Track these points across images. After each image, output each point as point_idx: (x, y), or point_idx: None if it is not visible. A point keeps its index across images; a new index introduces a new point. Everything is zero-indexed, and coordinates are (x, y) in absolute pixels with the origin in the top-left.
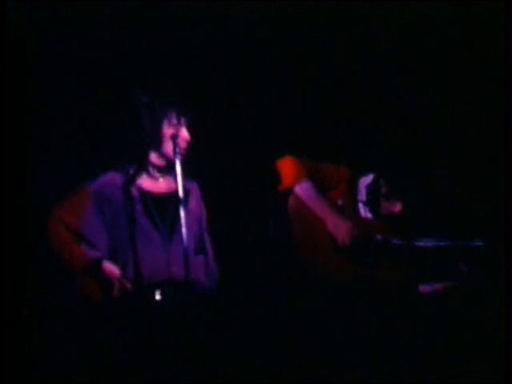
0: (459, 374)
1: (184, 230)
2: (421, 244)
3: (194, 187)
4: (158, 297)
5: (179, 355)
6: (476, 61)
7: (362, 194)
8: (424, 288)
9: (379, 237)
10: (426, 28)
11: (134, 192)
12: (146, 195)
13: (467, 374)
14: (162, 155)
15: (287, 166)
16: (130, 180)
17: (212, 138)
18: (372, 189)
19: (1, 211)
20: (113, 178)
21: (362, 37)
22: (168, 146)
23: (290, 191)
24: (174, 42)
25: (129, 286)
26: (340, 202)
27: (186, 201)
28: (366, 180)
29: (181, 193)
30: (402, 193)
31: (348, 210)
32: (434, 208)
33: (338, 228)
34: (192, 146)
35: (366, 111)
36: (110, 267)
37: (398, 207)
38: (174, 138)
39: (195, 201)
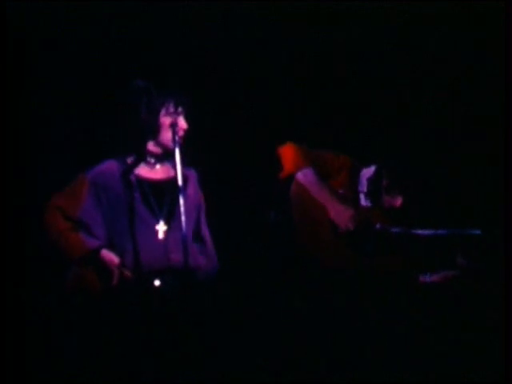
0: (458, 366)
1: (183, 217)
2: (419, 233)
3: (192, 174)
4: (157, 283)
5: (178, 343)
6: (476, 61)
7: (364, 185)
8: (423, 278)
9: (378, 225)
10: (425, 28)
11: (132, 180)
12: (143, 182)
13: (466, 367)
14: (159, 144)
15: (288, 153)
16: (129, 169)
17: (211, 125)
18: (374, 181)
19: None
20: (109, 166)
21: (363, 32)
22: (165, 135)
23: (291, 178)
24: (171, 31)
25: (128, 273)
26: (341, 191)
27: (184, 188)
28: (368, 171)
29: (180, 180)
30: (402, 186)
31: (349, 199)
32: (433, 198)
33: (340, 214)
34: (190, 133)
35: (368, 104)
36: (109, 255)
37: (398, 201)
38: (174, 126)
39: (193, 187)
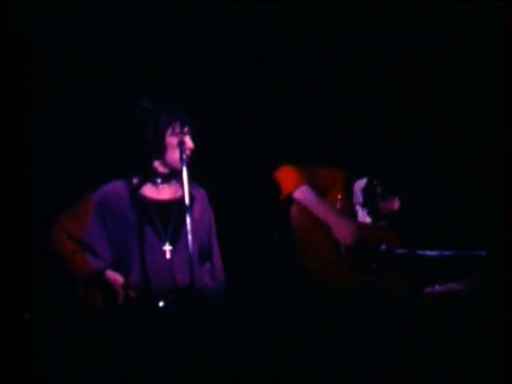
0: (460, 377)
1: (189, 236)
2: (424, 253)
3: (200, 193)
4: (161, 304)
5: (182, 363)
6: (476, 61)
7: (359, 197)
8: (429, 290)
9: (383, 246)
10: (425, 28)
11: (137, 201)
12: (148, 204)
13: (468, 377)
14: (166, 164)
15: (285, 174)
16: (135, 190)
17: (213, 147)
18: (367, 190)
19: (4, 217)
20: (115, 187)
21: (357, 39)
22: (172, 155)
23: (290, 198)
24: (177, 50)
25: (133, 294)
26: (338, 205)
27: (191, 207)
28: (361, 183)
29: (187, 200)
30: (398, 190)
31: (347, 214)
32: (434, 216)
33: (341, 228)
34: (196, 153)
35: (357, 114)
36: (114, 276)
37: (396, 204)
38: (181, 145)
39: (200, 207)
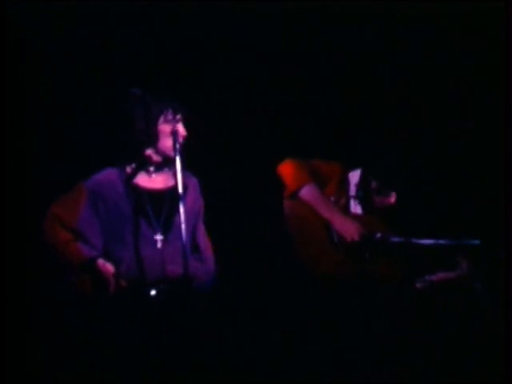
0: (457, 371)
1: (183, 226)
2: (419, 242)
3: (193, 181)
4: (153, 293)
5: (174, 353)
6: (476, 61)
7: (353, 190)
8: (420, 281)
9: (378, 235)
10: (424, 28)
11: (130, 190)
12: (141, 192)
13: (466, 371)
14: (159, 151)
15: (289, 171)
16: (129, 178)
17: (205, 137)
18: (361, 185)
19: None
20: (109, 175)
21: (356, 35)
22: (164, 143)
23: (294, 195)
24: (171, 38)
25: (124, 283)
26: (332, 198)
27: (184, 197)
28: (355, 176)
29: (180, 189)
30: (393, 185)
31: (341, 207)
32: (428, 206)
33: (345, 226)
34: (189, 140)
35: (352, 106)
36: (105, 265)
37: (392, 198)
38: (175, 134)
39: (192, 195)
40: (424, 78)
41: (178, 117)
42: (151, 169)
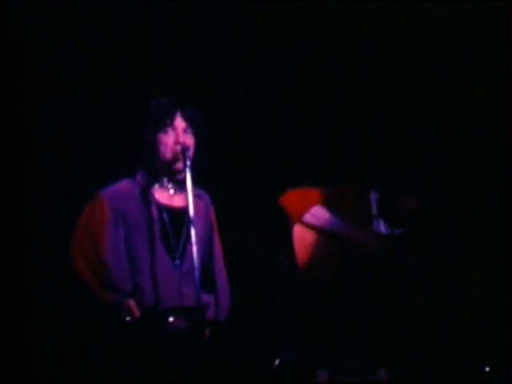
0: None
1: (195, 249)
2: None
3: (204, 201)
4: (171, 320)
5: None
6: (476, 61)
7: (374, 209)
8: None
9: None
10: (424, 28)
11: (153, 209)
12: (163, 212)
13: (467, 371)
14: (168, 162)
15: (290, 201)
16: (145, 192)
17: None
18: (381, 203)
19: (4, 217)
20: (126, 187)
21: (356, 36)
22: (170, 154)
23: (301, 223)
24: (180, 48)
25: (137, 314)
26: (350, 217)
27: (194, 220)
28: (375, 195)
29: (191, 211)
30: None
31: (361, 224)
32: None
33: (361, 236)
34: (200, 155)
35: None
36: (128, 303)
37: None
38: (185, 151)
39: (203, 219)
40: (424, 80)
41: (189, 129)
42: (165, 182)
